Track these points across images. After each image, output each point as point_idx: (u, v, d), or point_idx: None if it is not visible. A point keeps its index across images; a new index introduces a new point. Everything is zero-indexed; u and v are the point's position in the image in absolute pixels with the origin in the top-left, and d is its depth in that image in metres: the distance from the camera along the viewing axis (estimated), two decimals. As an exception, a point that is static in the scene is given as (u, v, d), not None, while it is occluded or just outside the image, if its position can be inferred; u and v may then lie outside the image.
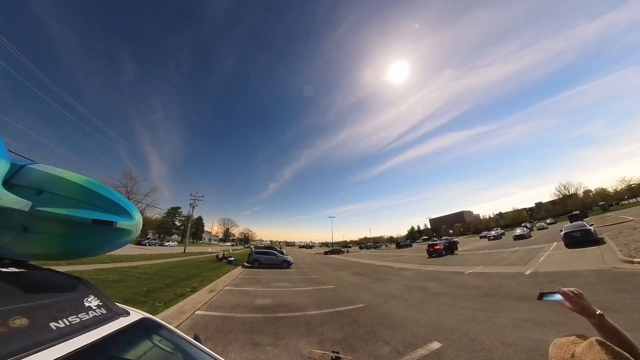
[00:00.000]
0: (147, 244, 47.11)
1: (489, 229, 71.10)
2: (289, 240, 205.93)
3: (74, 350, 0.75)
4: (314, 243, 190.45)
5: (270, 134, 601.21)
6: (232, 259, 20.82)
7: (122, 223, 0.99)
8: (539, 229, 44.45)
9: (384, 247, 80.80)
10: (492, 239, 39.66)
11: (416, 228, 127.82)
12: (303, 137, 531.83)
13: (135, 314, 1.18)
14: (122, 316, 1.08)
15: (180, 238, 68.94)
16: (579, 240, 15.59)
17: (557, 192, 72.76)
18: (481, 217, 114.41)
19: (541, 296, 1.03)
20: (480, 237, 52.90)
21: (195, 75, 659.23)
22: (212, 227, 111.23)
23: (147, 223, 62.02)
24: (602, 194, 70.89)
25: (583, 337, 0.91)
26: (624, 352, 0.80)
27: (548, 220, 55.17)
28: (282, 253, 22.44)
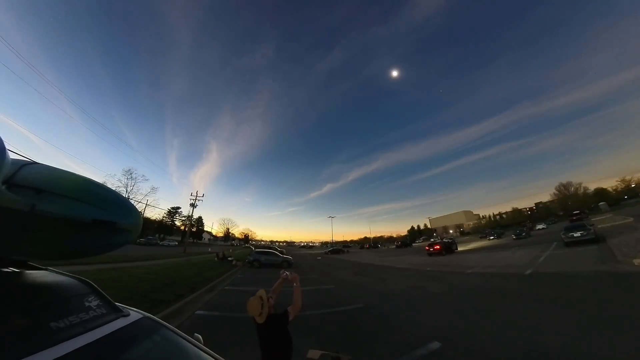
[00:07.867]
0: (147, 244, 47.11)
1: (490, 228, 71.04)
2: (288, 240, 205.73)
3: (74, 350, 0.75)
4: (314, 243, 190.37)
5: (368, 135, 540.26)
6: (232, 258, 20.80)
7: (122, 223, 0.99)
8: (539, 229, 44.52)
9: (385, 247, 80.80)
10: (492, 239, 39.70)
11: (416, 228, 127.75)
12: (398, 141, 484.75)
13: (135, 314, 1.18)
14: (122, 316, 1.08)
15: (180, 237, 68.90)
16: (579, 240, 15.62)
17: (557, 192, 72.49)
18: (481, 216, 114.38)
19: None
20: (480, 237, 52.93)
21: (329, 71, 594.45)
22: (212, 226, 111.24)
23: (147, 223, 61.95)
24: (602, 194, 70.83)
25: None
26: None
27: (548, 220, 55.14)
28: (282, 253, 22.46)
